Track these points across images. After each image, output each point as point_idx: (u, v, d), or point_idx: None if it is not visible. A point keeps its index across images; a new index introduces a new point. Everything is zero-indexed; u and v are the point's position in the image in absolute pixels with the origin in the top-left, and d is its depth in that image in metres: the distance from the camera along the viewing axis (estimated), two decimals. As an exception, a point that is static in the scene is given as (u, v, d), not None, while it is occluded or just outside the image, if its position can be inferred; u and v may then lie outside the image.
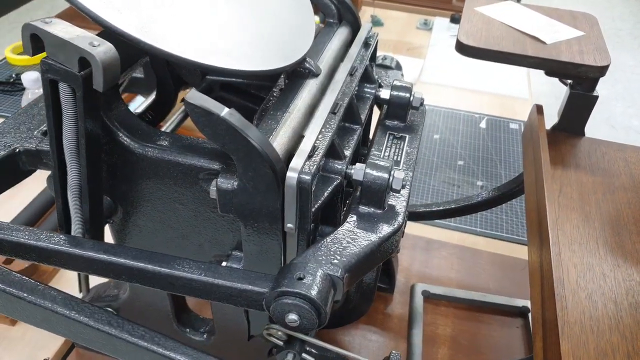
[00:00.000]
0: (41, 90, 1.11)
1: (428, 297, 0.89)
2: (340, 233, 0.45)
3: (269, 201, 0.43)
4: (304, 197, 0.43)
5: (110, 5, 0.41)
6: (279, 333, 0.51)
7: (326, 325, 0.41)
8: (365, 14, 1.91)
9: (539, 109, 0.76)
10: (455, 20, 1.87)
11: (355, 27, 0.67)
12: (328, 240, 0.44)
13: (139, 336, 0.44)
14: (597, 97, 0.74)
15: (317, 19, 0.63)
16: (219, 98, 0.66)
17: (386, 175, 0.46)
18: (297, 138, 0.48)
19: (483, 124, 1.37)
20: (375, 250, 0.44)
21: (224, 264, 0.52)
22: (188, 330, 0.66)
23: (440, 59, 1.67)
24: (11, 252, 0.46)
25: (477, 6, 0.86)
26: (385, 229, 0.45)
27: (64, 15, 1.66)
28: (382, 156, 0.54)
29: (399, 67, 0.71)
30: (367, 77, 0.62)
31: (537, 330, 0.51)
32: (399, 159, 0.54)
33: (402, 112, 0.59)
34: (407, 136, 0.57)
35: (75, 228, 0.48)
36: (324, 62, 0.58)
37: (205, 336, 0.66)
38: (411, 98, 0.59)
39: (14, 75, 1.37)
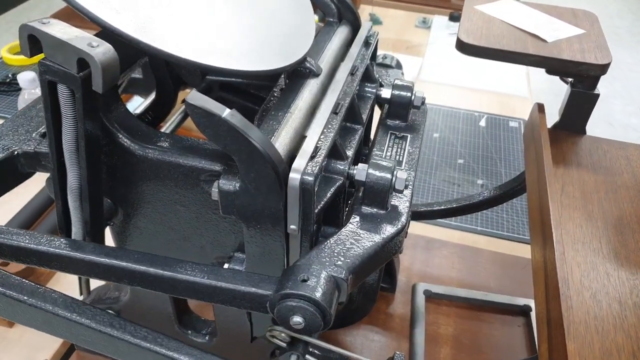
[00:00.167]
0: (38, 91, 1.10)
1: (430, 296, 0.88)
2: (344, 234, 0.44)
3: (272, 202, 0.43)
4: (306, 199, 0.42)
5: (108, 5, 0.41)
6: (282, 335, 0.51)
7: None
8: (364, 12, 1.91)
9: (540, 108, 0.76)
10: (454, 18, 1.86)
11: (355, 26, 0.67)
12: (331, 242, 0.43)
13: (141, 337, 0.44)
14: (598, 95, 0.74)
15: (315, 17, 0.63)
16: (219, 98, 0.65)
17: (389, 176, 0.45)
18: (299, 138, 0.48)
19: (483, 123, 1.37)
20: (379, 251, 0.43)
21: (226, 265, 0.51)
22: (190, 332, 0.66)
23: (439, 57, 1.67)
24: (12, 256, 0.46)
25: (477, 4, 0.86)
26: (389, 230, 0.45)
27: (61, 15, 1.66)
28: (383, 156, 0.54)
29: (399, 65, 0.71)
30: (368, 77, 0.61)
31: (542, 330, 0.51)
32: (400, 159, 0.54)
33: (403, 112, 0.59)
34: (409, 136, 0.57)
35: (75, 230, 0.47)
36: (325, 61, 0.58)
37: (207, 338, 0.65)
38: (412, 97, 0.58)
39: (10, 75, 1.36)
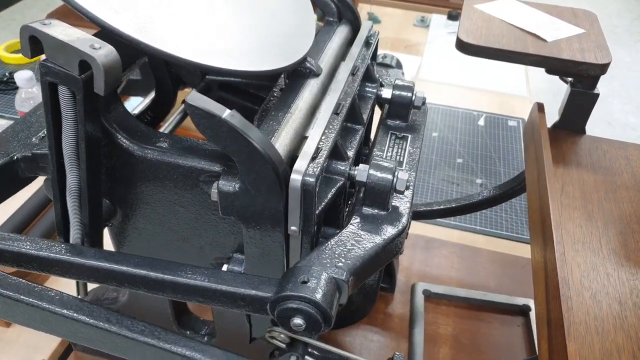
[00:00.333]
0: (35, 89, 1.10)
1: (429, 296, 0.88)
2: (345, 235, 0.44)
3: (271, 203, 0.43)
4: (308, 200, 0.42)
5: (107, 5, 0.41)
6: (282, 336, 0.51)
7: (329, 327, 0.41)
8: (362, 11, 1.91)
9: (540, 107, 0.76)
10: (452, 17, 1.86)
11: (355, 26, 0.66)
12: (332, 243, 0.43)
13: (138, 331, 0.44)
14: (598, 94, 0.74)
15: (314, 16, 0.63)
16: (218, 98, 0.65)
17: (390, 177, 0.45)
18: (299, 139, 0.47)
19: (481, 122, 1.37)
20: (380, 252, 0.43)
21: (225, 266, 0.51)
22: (188, 332, 0.66)
23: (437, 57, 1.67)
24: (13, 262, 0.46)
25: (477, 3, 0.85)
26: (390, 231, 0.44)
27: (58, 14, 1.65)
28: (384, 156, 0.54)
29: (399, 65, 0.70)
30: (368, 77, 0.61)
31: (542, 330, 0.51)
32: (401, 159, 0.54)
33: (404, 112, 0.59)
34: (410, 136, 0.57)
35: (74, 232, 0.47)
36: (325, 61, 0.57)
37: (206, 338, 0.65)
38: (413, 97, 0.58)
39: (7, 74, 1.36)
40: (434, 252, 0.98)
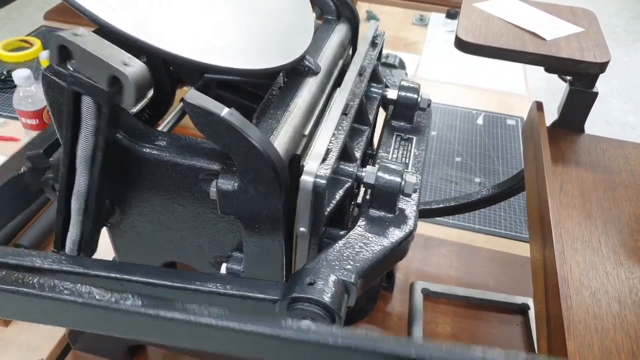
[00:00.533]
0: (33, 88, 1.09)
1: (428, 294, 0.88)
2: (352, 237, 0.44)
3: (270, 202, 0.42)
4: (318, 201, 0.42)
5: (104, 3, 0.40)
6: None
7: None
8: (361, 10, 1.90)
9: (538, 106, 0.76)
10: (451, 15, 1.86)
11: (354, 24, 0.66)
12: (340, 245, 0.43)
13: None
14: (597, 93, 0.74)
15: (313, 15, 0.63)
16: (216, 96, 0.65)
17: (398, 179, 0.45)
18: (299, 137, 0.47)
19: (480, 120, 1.37)
20: (388, 255, 0.43)
21: (224, 265, 0.51)
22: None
23: (436, 55, 1.66)
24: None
25: (476, 2, 0.85)
26: (397, 234, 0.44)
27: (56, 12, 1.64)
28: (390, 158, 0.54)
29: (402, 65, 0.70)
30: (374, 77, 0.61)
31: (541, 329, 0.51)
32: (407, 161, 0.54)
33: (409, 113, 0.58)
34: (415, 138, 0.57)
35: (73, 231, 0.47)
36: (323, 59, 0.57)
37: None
38: (419, 99, 0.58)
39: (5, 72, 1.35)
40: (432, 251, 0.98)
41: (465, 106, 1.43)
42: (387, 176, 0.45)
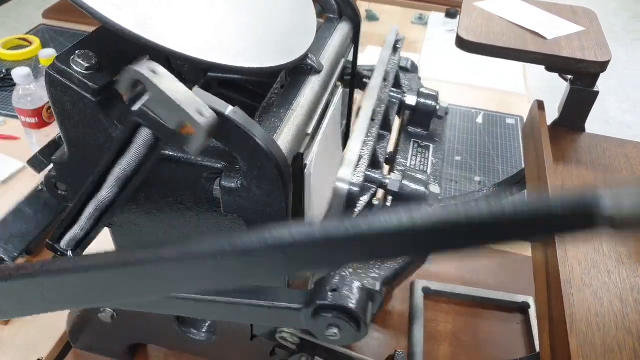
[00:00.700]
0: (32, 86, 1.08)
1: (428, 293, 0.88)
2: None
3: (274, 200, 0.42)
4: (349, 207, 0.42)
5: (109, 1, 0.40)
6: (295, 337, 0.51)
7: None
8: (361, 9, 1.90)
9: (540, 105, 0.76)
10: (450, 14, 1.86)
11: (355, 23, 0.66)
12: None
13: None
14: (597, 92, 0.74)
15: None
16: (218, 94, 0.65)
17: (423, 189, 0.45)
18: (302, 136, 0.47)
19: (480, 119, 1.37)
20: (410, 264, 0.43)
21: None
22: (190, 329, 0.66)
23: (435, 54, 1.67)
24: None
25: (477, 1, 0.85)
26: None
27: (55, 10, 1.64)
28: (408, 165, 0.53)
29: (414, 68, 0.70)
30: (395, 82, 0.61)
31: (543, 327, 0.51)
32: (425, 169, 0.53)
33: (426, 120, 0.58)
34: (432, 145, 0.57)
35: (76, 230, 0.47)
36: (326, 58, 0.57)
37: (207, 336, 0.65)
38: (437, 107, 0.58)
39: (4, 71, 1.35)
40: (433, 250, 0.98)
41: (465, 105, 1.43)
42: (412, 185, 0.45)
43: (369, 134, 0.48)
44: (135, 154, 0.42)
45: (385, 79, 0.56)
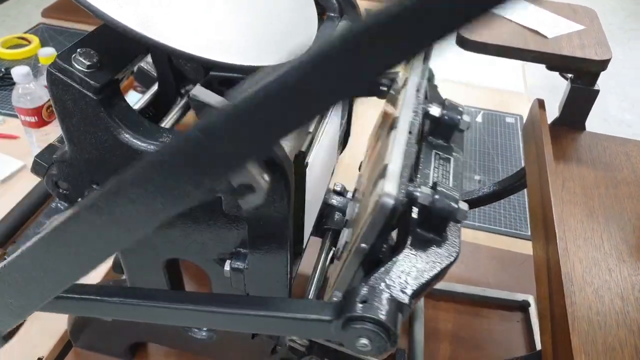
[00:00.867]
0: (32, 85, 1.08)
1: (429, 292, 0.89)
2: (404, 258, 0.44)
3: (276, 200, 0.42)
4: (389, 220, 0.41)
5: (110, -1, 0.40)
6: (304, 340, 0.51)
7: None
8: (360, 8, 1.90)
9: (540, 104, 0.76)
10: (449, 14, 1.86)
11: (356, 22, 0.66)
12: (392, 265, 0.43)
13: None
14: (598, 91, 0.74)
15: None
16: (218, 93, 0.65)
17: (454, 205, 0.44)
18: (303, 134, 0.47)
19: (479, 118, 1.37)
20: (436, 277, 0.43)
21: (227, 262, 0.51)
22: (190, 328, 0.65)
23: (435, 53, 1.67)
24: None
25: (477, 0, 0.85)
26: (445, 259, 0.44)
27: (54, 9, 1.63)
28: (430, 177, 0.53)
29: (432, 75, 0.69)
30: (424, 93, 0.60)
31: (545, 326, 0.51)
32: (447, 182, 0.53)
33: (448, 133, 0.57)
34: (452, 158, 0.56)
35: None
36: (327, 56, 0.57)
37: (207, 334, 0.65)
38: (460, 120, 0.57)
39: (3, 70, 1.35)
40: (433, 249, 0.98)
41: (464, 104, 1.43)
42: (444, 200, 0.45)
43: (407, 147, 0.47)
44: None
45: (418, 90, 0.55)
